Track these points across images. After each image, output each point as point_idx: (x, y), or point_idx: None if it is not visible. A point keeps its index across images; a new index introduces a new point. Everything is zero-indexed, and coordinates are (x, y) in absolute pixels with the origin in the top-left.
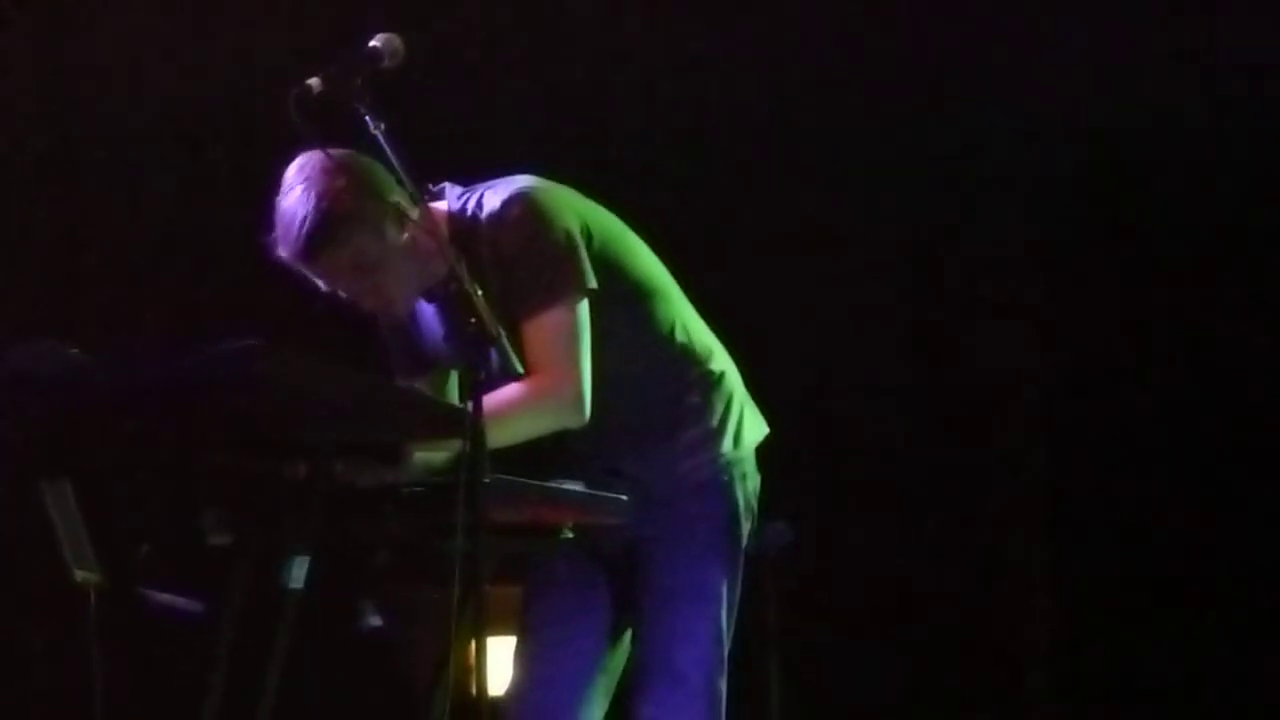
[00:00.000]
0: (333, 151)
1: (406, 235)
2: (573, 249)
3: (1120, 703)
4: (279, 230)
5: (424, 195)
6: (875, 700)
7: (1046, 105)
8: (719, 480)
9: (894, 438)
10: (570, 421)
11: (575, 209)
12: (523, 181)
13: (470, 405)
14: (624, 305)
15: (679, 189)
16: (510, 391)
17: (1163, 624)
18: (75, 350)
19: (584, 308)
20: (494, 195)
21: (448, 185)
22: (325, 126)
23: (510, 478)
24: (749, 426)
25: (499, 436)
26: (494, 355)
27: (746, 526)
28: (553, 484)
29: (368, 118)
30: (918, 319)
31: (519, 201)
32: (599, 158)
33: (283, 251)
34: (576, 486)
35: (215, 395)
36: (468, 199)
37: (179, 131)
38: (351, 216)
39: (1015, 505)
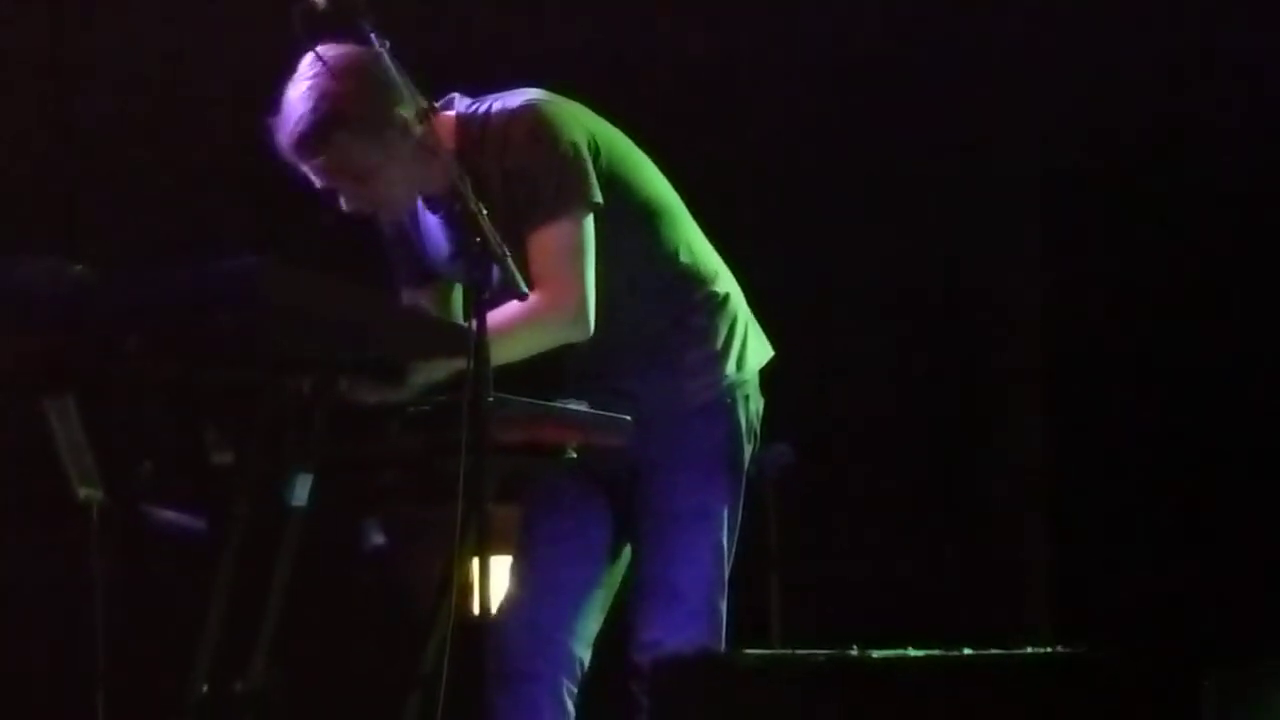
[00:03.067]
0: (351, 49)
1: (410, 145)
2: (580, 163)
3: (1122, 618)
4: (280, 118)
5: (429, 109)
6: (876, 621)
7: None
8: (722, 402)
9: (895, 360)
10: (574, 335)
11: (584, 124)
12: (532, 94)
13: (473, 324)
14: (630, 224)
15: (684, 114)
16: (513, 307)
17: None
18: (78, 267)
19: (589, 222)
20: (503, 105)
21: (455, 96)
22: (330, 41)
23: (514, 397)
24: (753, 349)
25: (502, 352)
26: (497, 273)
27: (749, 449)
28: (557, 404)
29: (372, 34)
30: (915, 242)
31: (527, 113)
32: (601, 77)
33: (280, 140)
34: (580, 406)
35: (218, 312)
36: (476, 108)
37: (181, 45)
38: (349, 122)
39: (1016, 426)
